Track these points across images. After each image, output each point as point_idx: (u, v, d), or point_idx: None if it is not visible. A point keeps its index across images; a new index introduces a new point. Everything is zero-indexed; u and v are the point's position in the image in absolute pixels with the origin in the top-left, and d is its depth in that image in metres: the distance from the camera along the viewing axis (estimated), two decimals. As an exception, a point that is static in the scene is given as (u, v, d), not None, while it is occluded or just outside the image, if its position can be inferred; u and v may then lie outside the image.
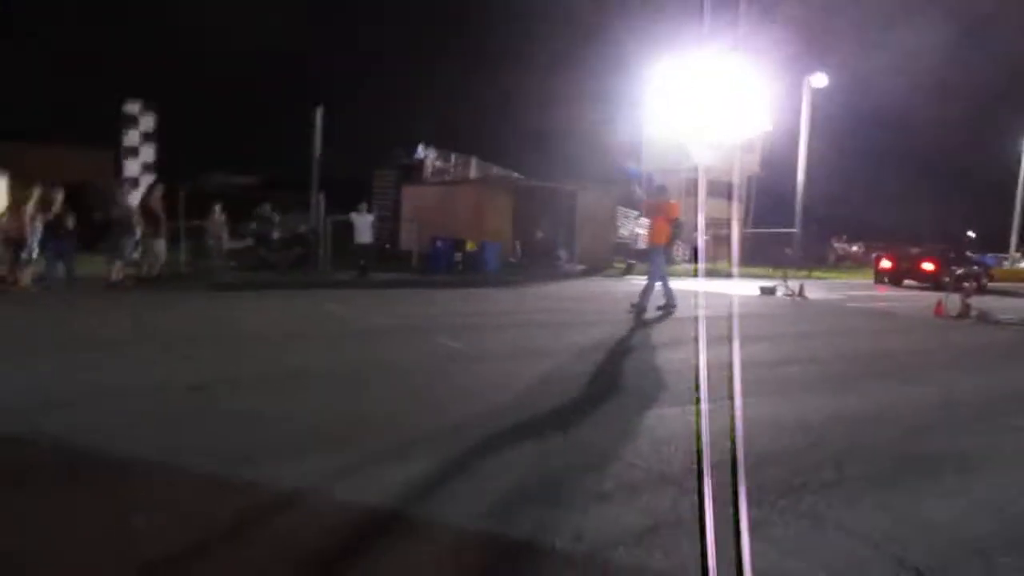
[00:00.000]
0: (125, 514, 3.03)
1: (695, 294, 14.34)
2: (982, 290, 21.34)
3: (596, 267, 23.33)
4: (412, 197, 27.05)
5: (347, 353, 7.45)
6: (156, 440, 4.09)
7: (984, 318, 13.16)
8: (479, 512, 3.19)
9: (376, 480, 3.55)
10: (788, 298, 15.92)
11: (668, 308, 11.42)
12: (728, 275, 21.42)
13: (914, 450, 4.58)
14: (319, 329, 9.27)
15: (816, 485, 3.73)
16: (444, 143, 30.05)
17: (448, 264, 20.02)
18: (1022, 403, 6.39)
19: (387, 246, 25.19)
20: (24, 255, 12.12)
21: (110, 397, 5.05)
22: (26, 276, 12.13)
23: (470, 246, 20.55)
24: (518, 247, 24.26)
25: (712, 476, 3.74)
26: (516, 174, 27.55)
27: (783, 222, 31.08)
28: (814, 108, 30.85)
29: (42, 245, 12.39)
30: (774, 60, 27.26)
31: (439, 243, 20.37)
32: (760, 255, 27.51)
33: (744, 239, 28.47)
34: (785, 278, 16.89)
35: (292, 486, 3.38)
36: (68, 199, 13.12)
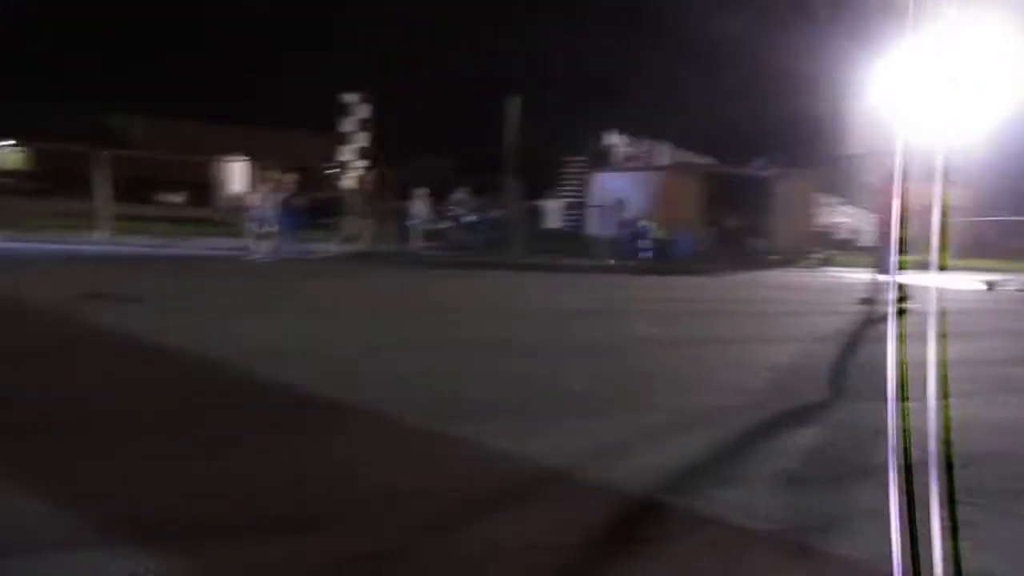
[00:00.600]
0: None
1: (914, 288, 13.29)
2: None
3: (791, 257, 22.21)
4: (601, 183, 27.24)
5: (591, 331, 7.74)
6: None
7: None
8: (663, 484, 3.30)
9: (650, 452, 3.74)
10: (1020, 293, 14.33)
11: (888, 303, 10.56)
12: (951, 268, 19.54)
13: None
14: (534, 307, 9.75)
15: (1012, 491, 3.48)
16: (636, 129, 29.91)
17: (639, 251, 20.01)
18: None
19: (577, 231, 25.60)
20: (264, 229, 13.85)
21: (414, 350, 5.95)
22: (264, 246, 13.85)
23: (661, 233, 20.40)
24: (710, 235, 23.69)
25: (917, 473, 3.60)
26: (710, 159, 26.83)
27: (1012, 210, 27.76)
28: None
29: (279, 221, 14.09)
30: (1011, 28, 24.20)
31: (630, 230, 20.41)
32: (983, 246, 24.82)
33: (965, 227, 25.74)
34: (1007, 271, 15.17)
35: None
36: (297, 181, 14.81)
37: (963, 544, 2.84)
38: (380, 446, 3.63)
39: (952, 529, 2.94)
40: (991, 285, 14.92)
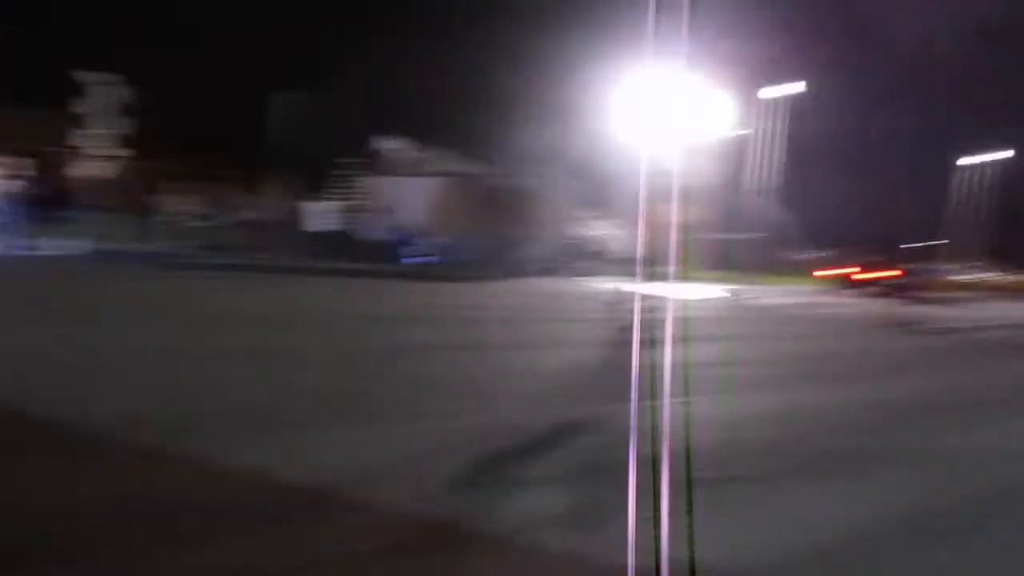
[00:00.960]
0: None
1: (653, 297, 14.57)
2: (922, 299, 22.06)
3: (555, 266, 23.49)
4: (376, 187, 26.93)
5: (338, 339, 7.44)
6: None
7: (915, 326, 13.62)
8: (419, 495, 3.26)
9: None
10: (745, 302, 16.30)
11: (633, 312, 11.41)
12: (692, 279, 21.78)
13: (824, 448, 4.78)
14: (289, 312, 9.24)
15: (728, 478, 3.89)
16: (421, 136, 29.94)
17: (410, 257, 20.01)
18: (943, 406, 6.67)
19: (347, 235, 25.05)
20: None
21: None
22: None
23: (433, 239, 20.59)
24: (477, 243, 24.30)
25: (640, 468, 3.88)
26: (483, 170, 27.60)
27: (739, 227, 31.75)
28: (782, 114, 31.39)
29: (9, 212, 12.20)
30: (743, 66, 27.67)
31: (402, 235, 20.37)
32: (716, 260, 27.99)
33: (701, 243, 28.95)
34: (740, 283, 17.27)
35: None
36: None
37: (694, 530, 3.10)
38: (102, 466, 3.22)
39: (688, 523, 3.21)
40: (718, 295, 16.85)
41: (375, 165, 29.12)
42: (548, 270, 22.52)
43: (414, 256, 20.14)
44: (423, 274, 17.47)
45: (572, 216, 27.68)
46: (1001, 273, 52.50)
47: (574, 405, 5.30)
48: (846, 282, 24.21)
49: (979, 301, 26.71)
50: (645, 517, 3.22)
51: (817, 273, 25.90)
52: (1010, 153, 43.11)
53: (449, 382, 5.75)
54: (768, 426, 5.18)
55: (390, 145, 30.20)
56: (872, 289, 21.83)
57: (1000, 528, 3.57)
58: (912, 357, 10.34)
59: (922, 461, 4.74)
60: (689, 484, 2.77)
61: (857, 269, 24.00)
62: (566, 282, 19.59)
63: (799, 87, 31.95)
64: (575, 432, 4.57)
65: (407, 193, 25.04)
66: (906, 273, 24.13)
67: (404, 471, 3.61)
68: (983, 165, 43.69)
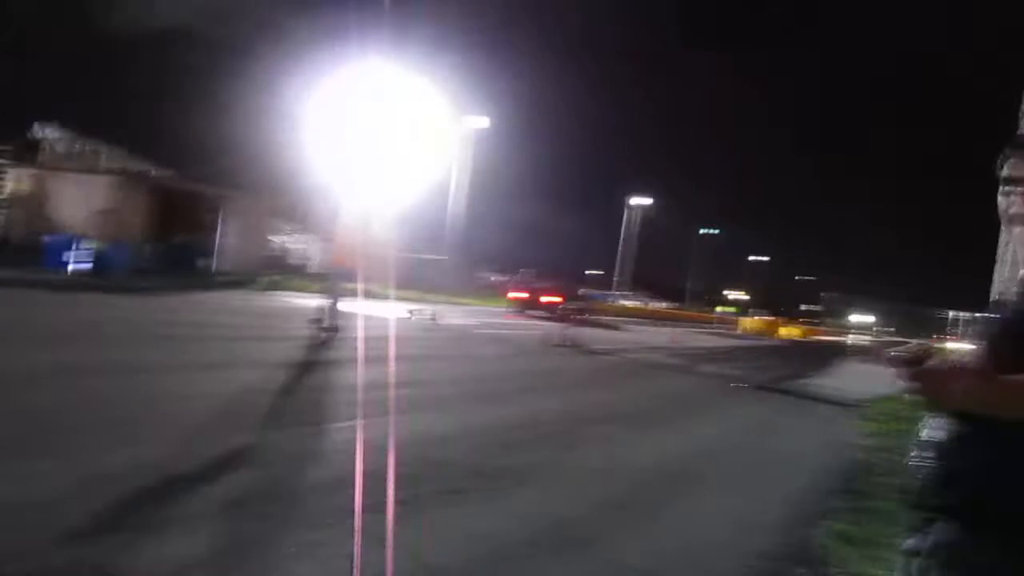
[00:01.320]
0: None
1: (344, 315, 14.50)
2: (588, 323, 24.99)
3: (241, 279, 22.29)
4: (24, 181, 23.24)
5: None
6: None
7: (580, 348, 15.40)
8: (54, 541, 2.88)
9: None
10: (425, 322, 16.91)
11: (331, 329, 11.13)
12: (381, 297, 22.07)
13: (480, 465, 5.20)
14: None
15: (384, 504, 4.04)
16: (74, 124, 26.43)
17: (64, 262, 17.54)
18: (581, 424, 7.61)
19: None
20: None
21: None
22: None
23: (93, 244, 18.27)
24: (152, 251, 22.18)
25: (285, 503, 3.85)
26: (157, 170, 25.27)
27: (432, 249, 33.14)
28: (471, 146, 33.38)
29: None
30: (432, 98, 29.03)
31: (53, 238, 17.79)
32: (410, 279, 28.78)
33: (395, 262, 29.62)
34: (427, 303, 17.94)
35: None
36: None
37: (308, 567, 3.13)
38: None
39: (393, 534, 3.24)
40: (407, 314, 17.34)
41: (30, 155, 25.20)
42: (237, 282, 21.31)
43: (80, 262, 17.74)
44: (89, 284, 15.46)
45: (267, 227, 26.58)
46: (652, 301, 61.64)
47: (241, 432, 5.09)
48: (529, 305, 26.48)
49: (635, 325, 30.94)
50: (297, 552, 3.25)
51: (510, 295, 28.05)
52: (650, 201, 50.76)
53: (103, 410, 5.17)
54: (430, 447, 5.48)
55: (52, 134, 26.39)
56: (550, 312, 24.18)
57: (606, 544, 4.19)
58: (571, 375, 11.65)
59: (560, 476, 5.37)
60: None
61: (538, 293, 26.38)
62: (255, 296, 18.70)
63: (484, 122, 34.43)
64: (238, 463, 4.40)
65: (72, 191, 22.04)
66: (580, 298, 27.19)
67: (37, 515, 3.19)
68: (640, 206, 50.84)
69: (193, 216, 23.52)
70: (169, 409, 5.53)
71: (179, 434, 4.87)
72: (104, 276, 17.10)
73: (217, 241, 23.31)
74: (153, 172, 24.80)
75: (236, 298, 17.31)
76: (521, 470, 5.20)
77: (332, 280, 11.37)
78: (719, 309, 52.58)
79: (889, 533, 4.79)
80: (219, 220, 23.41)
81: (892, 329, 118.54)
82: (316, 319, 11.07)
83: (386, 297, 21.68)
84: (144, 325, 10.56)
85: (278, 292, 20.82)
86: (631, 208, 50.60)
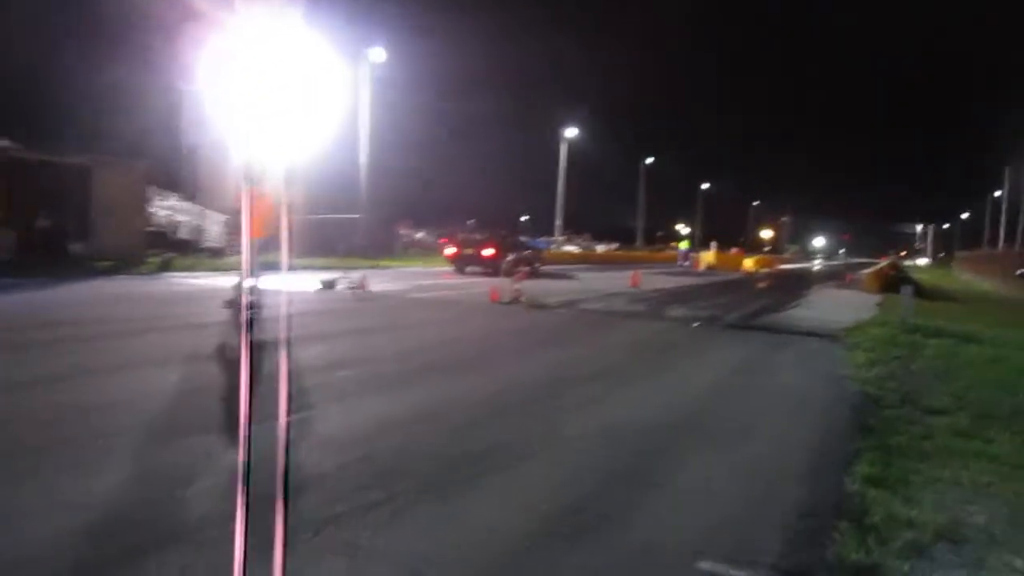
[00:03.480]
0: None
1: (265, 292, 14.01)
2: (536, 274, 24.94)
3: (124, 262, 21.32)
4: None
5: None
6: None
7: (533, 303, 15.31)
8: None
9: None
10: (350, 291, 16.53)
11: (250, 309, 10.70)
12: (287, 268, 21.45)
13: (464, 450, 5.04)
14: None
15: (360, 509, 3.84)
16: None
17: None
18: (560, 387, 7.52)
19: None
20: None
21: None
22: None
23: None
24: (11, 239, 20.94)
25: (241, 519, 3.60)
26: (5, 142, 23.73)
27: (344, 208, 32.38)
28: (374, 87, 32.45)
29: None
30: (332, 40, 28.00)
31: None
32: (322, 244, 28.11)
33: (304, 226, 28.85)
34: (347, 269, 17.50)
35: None
36: None
37: None
38: None
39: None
40: (328, 284, 16.92)
41: None
42: (122, 267, 20.39)
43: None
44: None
45: (146, 199, 25.42)
46: (598, 244, 62.26)
47: (170, 440, 4.79)
48: (468, 261, 26.23)
49: (586, 272, 31.10)
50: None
51: (445, 253, 27.75)
52: (586, 132, 50.85)
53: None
54: (393, 435, 5.29)
55: None
56: (492, 267, 24.04)
57: (624, 523, 4.10)
58: (530, 335, 11.57)
59: (551, 450, 5.26)
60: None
61: (477, 247, 26.12)
62: (147, 281, 17.92)
63: (381, 55, 33.48)
64: (174, 474, 4.11)
65: None
66: (523, 248, 27.11)
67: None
68: (575, 138, 50.77)
69: (57, 194, 22.25)
70: (84, 423, 5.16)
71: (104, 449, 4.54)
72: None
73: (90, 220, 22.17)
74: (3, 145, 23.32)
75: (125, 285, 16.54)
76: (504, 449, 5.06)
77: (243, 253, 10.83)
78: (683, 246, 53.35)
79: (919, 470, 4.86)
80: (89, 196, 22.23)
81: (844, 251, 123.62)
82: (231, 300, 10.57)
83: (301, 267, 21.17)
84: (28, 327, 9.93)
85: (172, 273, 20.02)
86: (566, 141, 50.47)
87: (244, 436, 4.41)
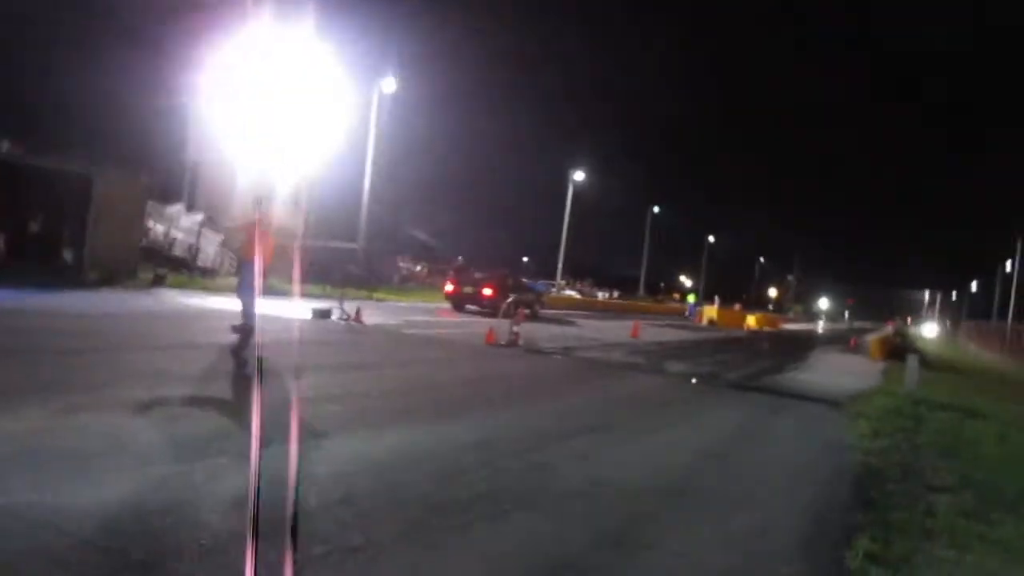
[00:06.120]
0: None
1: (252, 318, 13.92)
2: (535, 317, 24.86)
3: (116, 275, 21.25)
4: None
5: None
6: None
7: (530, 346, 15.23)
8: None
9: None
10: (343, 322, 16.43)
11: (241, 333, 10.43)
12: (290, 294, 21.36)
13: (451, 496, 4.93)
14: None
15: (338, 553, 3.73)
16: None
17: None
18: (550, 439, 7.41)
19: None
20: None
21: None
22: None
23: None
24: (2, 244, 20.92)
25: (210, 562, 3.50)
26: (4, 145, 23.82)
27: (344, 235, 32.41)
28: (381, 118, 32.60)
29: None
30: (340, 65, 28.31)
31: None
32: (320, 271, 28.06)
33: (302, 253, 28.84)
34: (342, 299, 17.40)
35: None
36: None
37: None
38: None
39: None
40: (322, 314, 16.82)
41: None
42: (114, 280, 20.32)
43: None
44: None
45: (145, 212, 25.41)
46: (599, 291, 62.31)
47: (150, 466, 4.68)
48: (467, 299, 26.15)
49: (586, 319, 31.03)
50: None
51: (446, 290, 27.66)
52: (595, 176, 51.14)
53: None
54: (376, 477, 5.18)
55: None
56: (491, 307, 23.95)
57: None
58: (525, 381, 11.47)
59: (536, 504, 5.15)
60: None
61: (477, 286, 26.04)
62: (140, 296, 17.84)
63: (391, 85, 33.69)
64: (152, 508, 4.00)
65: None
66: (524, 290, 27.05)
67: None
68: (585, 182, 51.03)
69: (55, 201, 22.26)
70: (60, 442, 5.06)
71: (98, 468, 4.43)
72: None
73: (86, 230, 22.13)
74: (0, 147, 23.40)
75: (116, 299, 16.46)
76: (488, 500, 4.95)
77: (243, 276, 10.78)
78: (691, 299, 53.45)
79: (922, 549, 4.76)
80: (87, 205, 22.21)
81: (848, 314, 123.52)
82: (235, 324, 10.38)
83: (297, 294, 21.06)
84: (14, 340, 9.83)
85: (165, 290, 19.97)
86: (573, 183, 50.71)
87: (222, 465, 4.29)
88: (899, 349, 27.09)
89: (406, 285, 41.16)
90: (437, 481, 5.26)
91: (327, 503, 4.45)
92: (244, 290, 10.53)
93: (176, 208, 28.95)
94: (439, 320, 22.05)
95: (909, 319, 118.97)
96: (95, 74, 28.54)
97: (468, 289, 26.30)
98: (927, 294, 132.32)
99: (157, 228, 26.90)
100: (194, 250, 27.66)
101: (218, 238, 27.92)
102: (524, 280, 31.98)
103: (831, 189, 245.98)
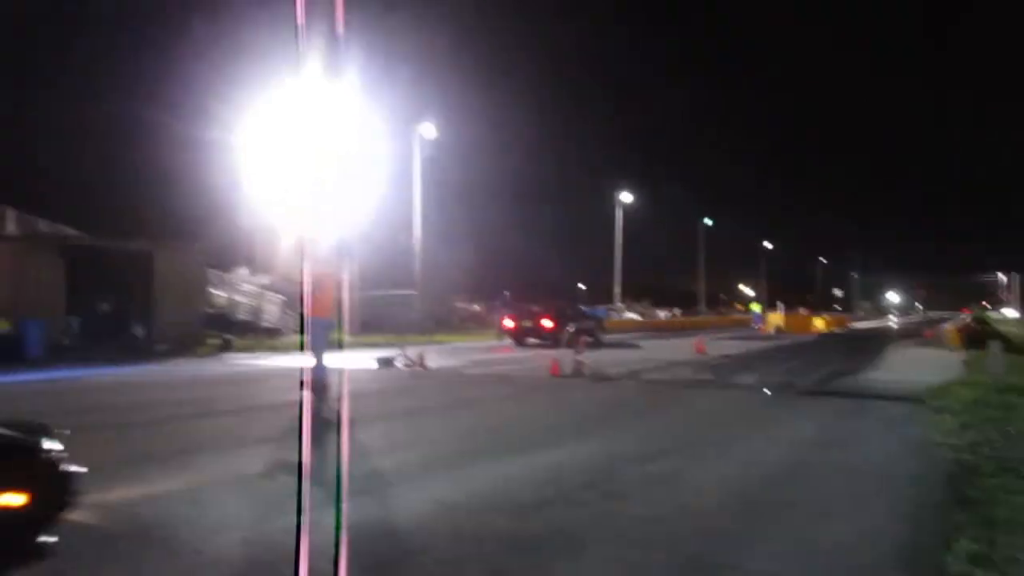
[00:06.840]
0: None
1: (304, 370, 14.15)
2: (597, 344, 24.75)
3: (184, 344, 21.85)
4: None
5: None
6: None
7: (596, 374, 15.14)
8: None
9: None
10: (408, 369, 16.59)
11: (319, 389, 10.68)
12: (354, 346, 21.65)
13: (531, 532, 4.91)
14: None
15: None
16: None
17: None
18: (626, 465, 7.33)
19: None
20: None
21: None
22: None
23: (1, 326, 17.85)
24: (74, 325, 21.69)
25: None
26: (70, 230, 24.80)
27: (399, 283, 32.77)
28: (424, 163, 32.98)
29: None
30: (381, 115, 28.87)
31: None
32: (377, 321, 28.36)
33: (361, 303, 29.20)
34: (404, 346, 17.60)
35: None
36: None
37: None
38: None
39: None
40: (386, 362, 17.01)
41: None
42: (181, 349, 20.89)
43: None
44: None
45: (205, 280, 26.13)
46: (660, 310, 61.73)
47: (252, 523, 4.77)
48: (526, 333, 26.17)
49: (647, 340, 30.74)
50: None
51: (504, 325, 27.78)
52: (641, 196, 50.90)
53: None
54: (462, 518, 5.19)
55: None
56: (551, 339, 23.94)
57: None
58: (596, 409, 11.39)
59: (626, 534, 5.10)
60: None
61: (535, 318, 26.06)
62: (208, 362, 18.30)
63: (431, 130, 34.17)
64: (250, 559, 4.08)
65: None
66: (583, 317, 26.98)
67: None
68: (631, 202, 50.85)
69: (120, 279, 23.06)
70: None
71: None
72: (15, 362, 16.59)
73: (152, 304, 22.83)
74: (67, 233, 24.34)
75: (189, 368, 16.90)
76: (567, 534, 4.91)
77: (315, 333, 10.96)
78: (755, 308, 52.56)
79: (1028, 546, 4.57)
80: (151, 280, 22.95)
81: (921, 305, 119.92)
82: (308, 380, 10.51)
83: (359, 345, 21.33)
84: (96, 413, 10.16)
85: (232, 354, 20.43)
86: (621, 206, 50.60)
87: (304, 523, 4.34)
88: (979, 336, 26.19)
89: (466, 325, 41.31)
90: (519, 517, 5.24)
91: (409, 550, 4.48)
92: (317, 346, 10.71)
93: (239, 272, 29.72)
94: (501, 357, 22.07)
95: (986, 304, 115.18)
96: (148, 151, 29.58)
97: (527, 323, 26.32)
98: (1001, 275, 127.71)
99: (220, 295, 27.62)
100: (258, 312, 28.31)
101: (279, 299, 28.54)
102: (582, 307, 31.88)
103: (885, 176, 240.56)
